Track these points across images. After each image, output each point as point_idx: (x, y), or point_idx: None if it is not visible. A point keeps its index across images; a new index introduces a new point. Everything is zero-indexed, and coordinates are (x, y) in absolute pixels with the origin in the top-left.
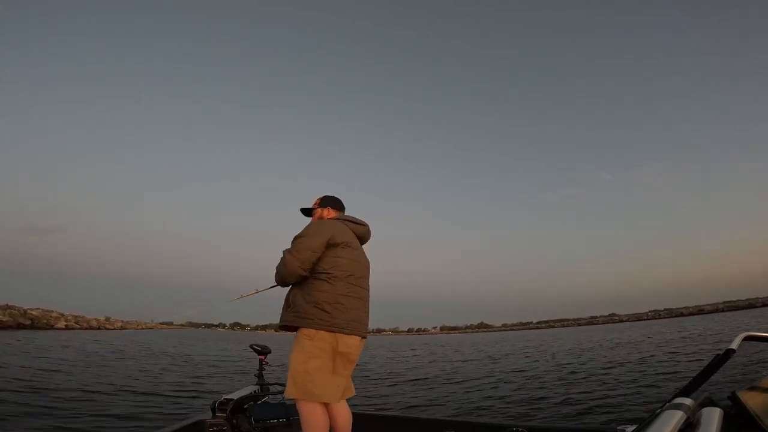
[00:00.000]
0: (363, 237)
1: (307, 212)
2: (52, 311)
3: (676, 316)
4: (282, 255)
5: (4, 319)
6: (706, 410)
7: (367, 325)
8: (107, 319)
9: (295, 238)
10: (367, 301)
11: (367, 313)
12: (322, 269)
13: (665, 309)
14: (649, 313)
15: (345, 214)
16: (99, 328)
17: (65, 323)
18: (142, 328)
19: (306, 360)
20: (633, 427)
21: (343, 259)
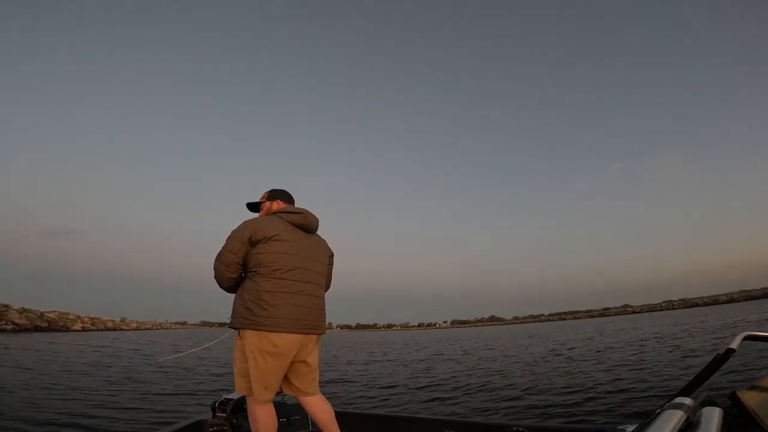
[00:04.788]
0: (304, 225)
1: (254, 207)
2: (69, 313)
3: (691, 306)
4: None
5: (21, 322)
6: (706, 410)
7: (311, 321)
8: (123, 320)
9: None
10: (310, 294)
11: (308, 307)
12: (249, 268)
13: (680, 299)
14: (664, 304)
15: (296, 206)
16: (114, 329)
17: (81, 325)
18: (157, 329)
19: (236, 357)
20: (633, 427)
21: (268, 254)
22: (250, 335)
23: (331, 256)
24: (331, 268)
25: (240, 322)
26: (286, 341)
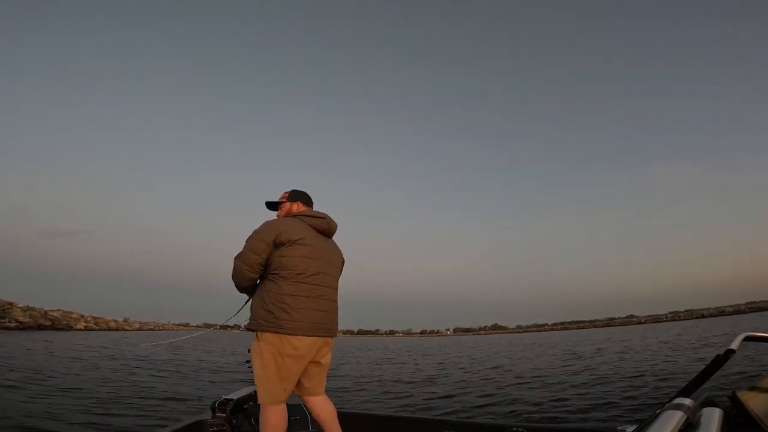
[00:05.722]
0: (326, 230)
1: (273, 206)
2: (72, 312)
3: (697, 317)
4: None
5: (25, 320)
6: (706, 410)
7: (327, 325)
8: (125, 320)
9: (246, 241)
10: (329, 298)
11: (327, 311)
12: (271, 270)
13: (686, 310)
14: (669, 315)
15: (313, 209)
16: (117, 329)
17: (84, 324)
18: (159, 329)
19: (256, 364)
20: (633, 427)
21: (291, 257)
22: (270, 338)
23: (343, 261)
24: (341, 273)
25: (260, 324)
26: (306, 344)
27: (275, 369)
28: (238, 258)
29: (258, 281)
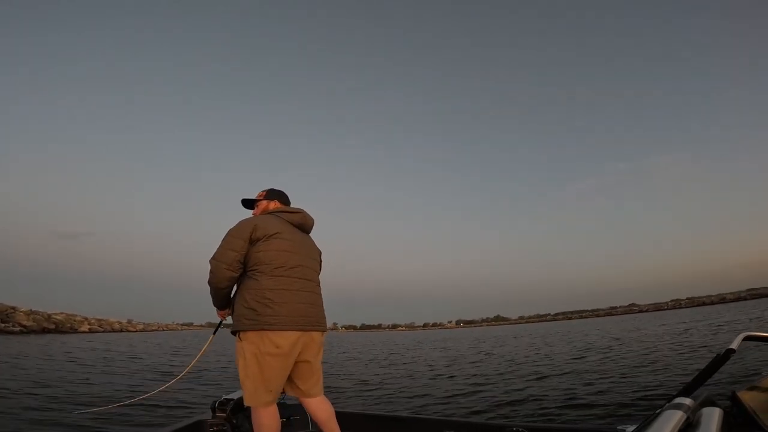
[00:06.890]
0: (302, 224)
1: (249, 204)
2: (76, 315)
3: (698, 305)
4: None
5: (28, 324)
6: (706, 410)
7: (314, 318)
8: (129, 321)
9: (222, 240)
10: (312, 291)
11: (311, 303)
12: (249, 267)
13: (687, 298)
14: (670, 303)
15: (293, 206)
16: (121, 331)
17: (88, 327)
18: (163, 330)
19: (240, 365)
20: (633, 427)
21: (268, 252)
22: (251, 336)
23: (321, 257)
24: (320, 267)
25: (243, 323)
26: (290, 341)
27: (258, 369)
28: (215, 258)
29: (235, 287)
